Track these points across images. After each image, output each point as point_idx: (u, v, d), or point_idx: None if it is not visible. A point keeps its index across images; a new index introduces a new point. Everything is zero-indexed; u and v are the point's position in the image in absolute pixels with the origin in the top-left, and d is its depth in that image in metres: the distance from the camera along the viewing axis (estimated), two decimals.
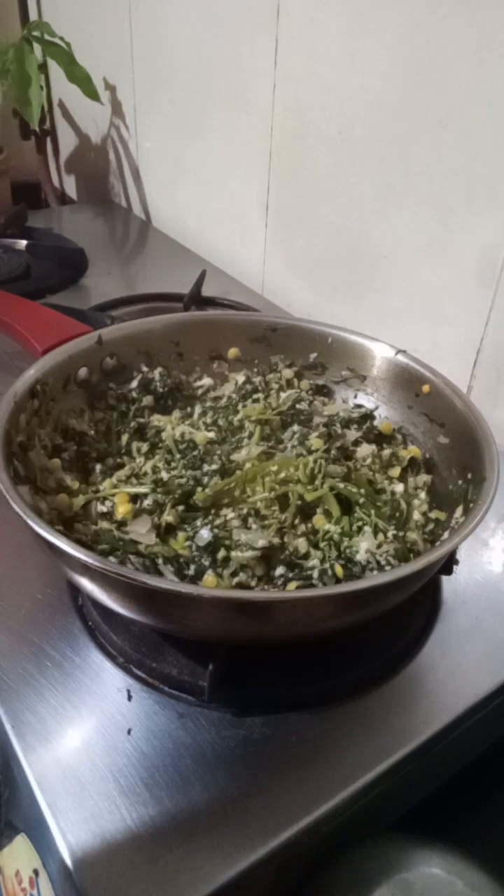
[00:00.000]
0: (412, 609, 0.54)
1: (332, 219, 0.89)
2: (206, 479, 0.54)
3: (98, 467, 0.58)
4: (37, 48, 1.23)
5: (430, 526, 0.55)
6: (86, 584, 0.44)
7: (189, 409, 0.65)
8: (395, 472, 0.60)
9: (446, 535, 0.52)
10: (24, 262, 1.04)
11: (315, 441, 0.58)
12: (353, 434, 0.62)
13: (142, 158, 1.31)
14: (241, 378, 0.67)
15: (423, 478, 0.59)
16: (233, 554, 0.49)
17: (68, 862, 0.39)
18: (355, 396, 0.67)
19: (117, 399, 0.64)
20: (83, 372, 0.61)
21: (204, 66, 1.04)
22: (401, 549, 0.50)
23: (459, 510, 0.52)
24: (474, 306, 0.74)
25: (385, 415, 0.65)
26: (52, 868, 0.41)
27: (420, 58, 0.71)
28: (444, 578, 0.57)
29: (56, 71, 1.33)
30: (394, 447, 0.62)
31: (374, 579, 0.45)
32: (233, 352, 0.69)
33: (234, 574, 0.48)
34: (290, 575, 0.48)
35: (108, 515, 0.52)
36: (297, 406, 0.63)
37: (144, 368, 0.66)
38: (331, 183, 0.87)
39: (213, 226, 1.15)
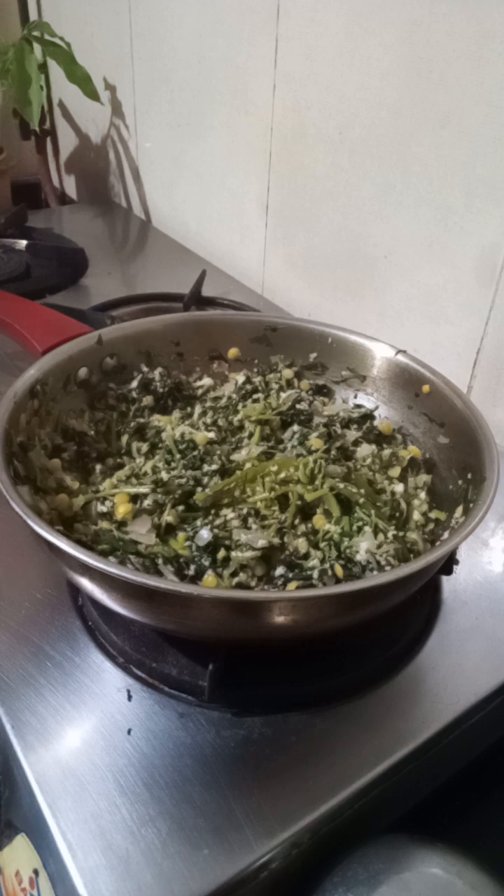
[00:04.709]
0: (412, 609, 0.54)
1: (332, 218, 0.89)
2: (206, 479, 0.54)
3: (98, 467, 0.58)
4: (37, 48, 1.23)
5: (430, 526, 0.55)
6: (86, 584, 0.44)
7: (189, 410, 0.65)
8: (395, 472, 0.60)
9: (446, 535, 0.52)
10: (24, 262, 1.04)
11: (315, 441, 0.58)
12: (353, 434, 0.62)
13: (142, 158, 1.31)
14: (241, 378, 0.67)
15: (423, 478, 0.59)
16: (233, 554, 0.49)
17: (68, 862, 0.39)
18: (355, 396, 0.67)
19: (117, 399, 0.64)
20: (83, 372, 0.61)
21: (204, 65, 1.04)
22: (401, 549, 0.50)
23: (459, 510, 0.52)
24: (474, 306, 0.74)
25: (385, 415, 0.65)
26: (52, 868, 0.41)
27: (420, 57, 0.71)
28: (444, 578, 0.57)
29: (56, 71, 1.33)
30: (394, 447, 0.62)
31: (374, 579, 0.45)
32: (233, 352, 0.69)
33: (234, 574, 0.48)
34: (290, 575, 0.48)
35: (108, 515, 0.52)
36: (297, 406, 0.63)
37: (144, 368, 0.66)
38: (330, 183, 0.87)
39: (212, 226, 1.15)
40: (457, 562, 0.54)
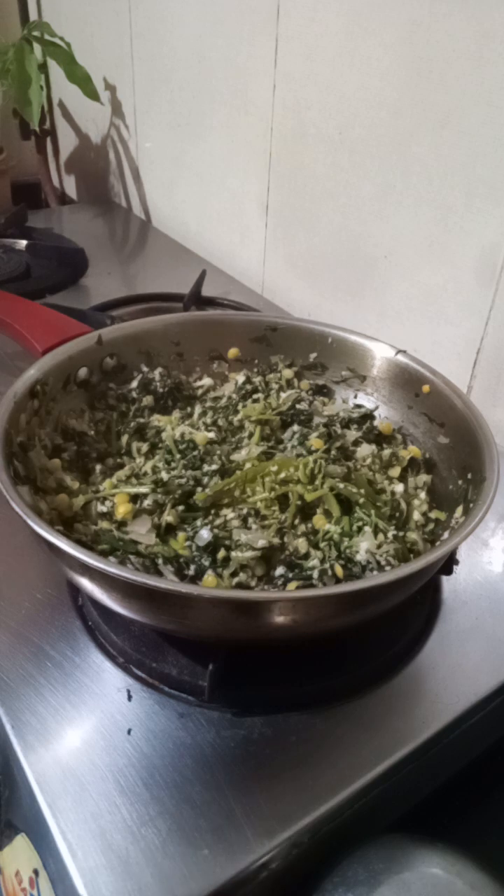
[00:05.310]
0: (412, 609, 0.54)
1: (332, 218, 0.89)
2: (206, 479, 0.54)
3: (98, 467, 0.58)
4: (37, 48, 1.23)
5: (430, 526, 0.55)
6: (86, 584, 0.44)
7: (189, 410, 0.65)
8: (395, 472, 0.60)
9: (446, 535, 0.52)
10: (24, 262, 1.04)
11: (315, 441, 0.58)
12: (353, 434, 0.62)
13: (142, 158, 1.31)
14: (241, 378, 0.67)
15: (423, 478, 0.59)
16: (233, 554, 0.49)
17: (68, 862, 0.39)
18: (355, 396, 0.67)
19: (117, 399, 0.64)
20: (83, 372, 0.61)
21: (204, 65, 1.04)
22: (401, 549, 0.50)
23: (459, 510, 0.52)
24: (474, 306, 0.74)
25: (385, 415, 0.65)
26: (52, 868, 0.41)
27: (420, 57, 0.71)
28: (444, 578, 0.57)
29: (56, 71, 1.33)
30: (394, 447, 0.62)
31: (374, 579, 0.45)
32: (233, 352, 0.69)
33: (234, 574, 0.48)
34: (290, 575, 0.48)
35: (108, 515, 0.52)
36: (297, 406, 0.63)
37: (144, 368, 0.66)
38: (330, 182, 0.87)
39: (212, 226, 1.15)
40: (457, 562, 0.54)
